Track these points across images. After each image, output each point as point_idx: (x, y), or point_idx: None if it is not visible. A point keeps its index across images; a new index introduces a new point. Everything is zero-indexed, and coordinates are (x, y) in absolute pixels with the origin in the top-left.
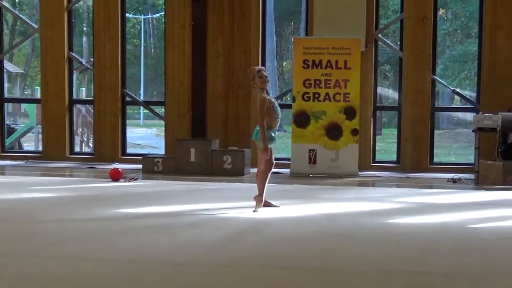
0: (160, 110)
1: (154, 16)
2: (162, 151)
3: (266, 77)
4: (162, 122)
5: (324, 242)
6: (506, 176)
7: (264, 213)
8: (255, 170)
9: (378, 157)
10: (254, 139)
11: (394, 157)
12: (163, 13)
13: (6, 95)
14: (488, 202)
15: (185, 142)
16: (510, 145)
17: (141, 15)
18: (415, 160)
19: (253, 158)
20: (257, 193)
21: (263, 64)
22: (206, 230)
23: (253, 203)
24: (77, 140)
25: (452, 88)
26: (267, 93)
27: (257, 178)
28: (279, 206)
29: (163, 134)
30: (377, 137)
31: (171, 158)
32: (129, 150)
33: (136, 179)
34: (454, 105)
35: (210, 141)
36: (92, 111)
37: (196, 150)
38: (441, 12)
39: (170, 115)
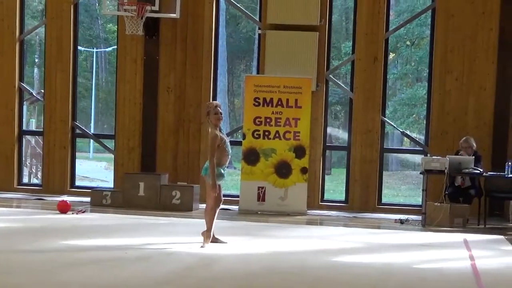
0: (110, 143)
1: (106, 50)
2: (111, 185)
3: (221, 113)
4: (112, 156)
5: (271, 279)
6: (453, 218)
7: (212, 249)
8: (204, 206)
9: (327, 196)
10: (203, 174)
11: (342, 197)
12: (116, 47)
13: None
14: (434, 243)
15: (134, 176)
16: (457, 188)
17: (93, 48)
18: (364, 200)
19: (202, 193)
20: (205, 229)
21: (214, 99)
22: (153, 264)
23: (201, 238)
24: (25, 171)
25: (401, 130)
26: (220, 130)
27: (205, 214)
28: (226, 242)
29: (112, 167)
30: (326, 176)
31: (120, 191)
32: (77, 183)
33: (84, 212)
34: (403, 147)
35: (160, 176)
36: (42, 142)
37: (145, 184)
38: (391, 56)
39: (120, 148)
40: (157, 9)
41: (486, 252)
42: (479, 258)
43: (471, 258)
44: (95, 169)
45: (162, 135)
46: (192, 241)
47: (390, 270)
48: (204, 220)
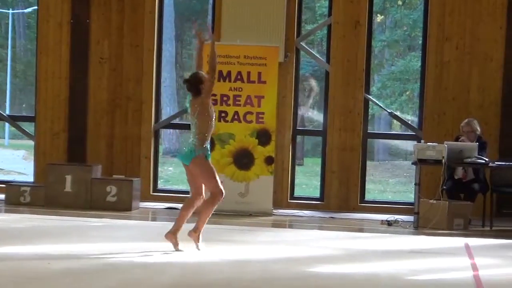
0: (30, 127)
1: (25, 11)
2: (30, 178)
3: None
4: (32, 143)
5: None
6: (452, 218)
7: (159, 257)
8: (145, 204)
9: (298, 192)
10: (192, 158)
11: (317, 193)
12: (36, 7)
13: None
14: (429, 249)
15: (59, 167)
16: (458, 182)
17: (8, 9)
18: (343, 198)
19: (144, 189)
20: (190, 228)
21: (159, 73)
22: (82, 279)
23: (147, 245)
24: None
25: (389, 111)
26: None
27: (182, 209)
28: (183, 251)
29: (32, 157)
30: (297, 168)
31: (42, 187)
32: None
33: None
34: (392, 132)
35: (91, 167)
36: None
37: (73, 178)
38: (379, 19)
39: (42, 134)
40: None
41: (492, 260)
42: (484, 267)
43: (474, 267)
44: (11, 159)
45: (93, 117)
46: (134, 249)
47: (375, 282)
48: (148, 222)
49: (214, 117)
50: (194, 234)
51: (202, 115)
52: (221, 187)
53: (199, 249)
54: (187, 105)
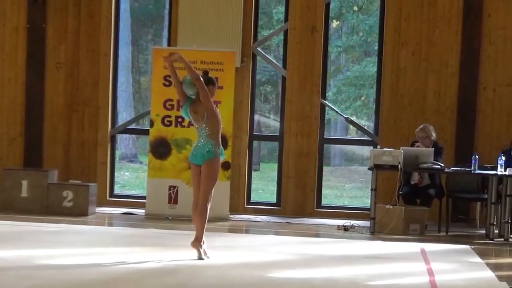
0: None
1: None
2: None
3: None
4: None
5: None
6: (408, 223)
7: (115, 262)
8: (102, 209)
9: (254, 197)
10: (208, 158)
11: (273, 198)
12: None
13: None
14: (385, 255)
15: (15, 172)
16: (414, 187)
17: None
18: (299, 202)
19: (100, 195)
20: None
21: (115, 78)
22: (40, 282)
23: (103, 250)
24: None
25: (346, 116)
26: None
27: (197, 216)
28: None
29: None
30: (254, 173)
31: None
32: None
33: None
34: (348, 137)
35: (47, 172)
36: None
37: (29, 182)
38: (335, 24)
39: None
40: None
41: (448, 265)
42: (440, 272)
43: (430, 272)
44: None
45: (50, 122)
46: (90, 253)
47: (331, 287)
48: (105, 227)
49: (221, 119)
50: (197, 243)
51: (213, 118)
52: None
53: (203, 258)
54: (184, 113)
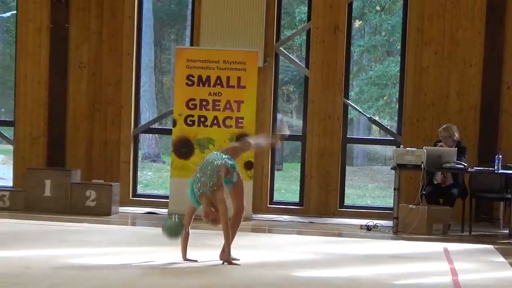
0: (9, 132)
1: (4, 15)
2: (9, 183)
3: None
4: (11, 147)
5: None
6: (431, 223)
7: (139, 262)
8: (125, 208)
9: (277, 197)
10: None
11: (296, 198)
12: (15, 12)
13: None
14: (408, 254)
15: (38, 172)
16: (437, 187)
17: None
18: (322, 202)
19: (123, 194)
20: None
21: (138, 78)
22: (63, 282)
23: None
24: None
25: (368, 116)
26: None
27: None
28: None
29: (11, 161)
30: (276, 172)
31: (21, 191)
32: None
33: None
34: (371, 137)
35: (70, 172)
36: None
37: (52, 182)
38: (357, 24)
39: (21, 138)
40: None
41: (472, 265)
42: (463, 272)
43: (453, 272)
44: None
45: (73, 122)
46: (113, 252)
47: (354, 286)
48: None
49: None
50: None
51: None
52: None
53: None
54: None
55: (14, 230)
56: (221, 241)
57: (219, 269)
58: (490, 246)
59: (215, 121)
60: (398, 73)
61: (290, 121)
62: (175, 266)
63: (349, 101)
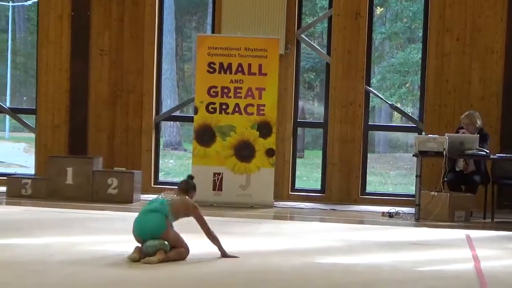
0: (31, 120)
1: (25, 3)
2: (32, 171)
3: None
4: (33, 135)
5: (234, 285)
6: (453, 210)
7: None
8: (146, 196)
9: (299, 184)
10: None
11: (318, 185)
12: (37, 0)
13: None
14: (430, 241)
15: (60, 160)
16: (459, 174)
17: (8, 2)
18: (344, 190)
19: (145, 182)
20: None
21: (159, 66)
22: (84, 268)
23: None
24: None
25: (390, 103)
26: None
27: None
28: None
29: (33, 149)
30: (298, 160)
31: (43, 179)
32: None
33: None
34: (392, 124)
35: (92, 160)
36: None
37: (74, 170)
38: (379, 11)
39: (43, 126)
40: None
41: (493, 251)
42: (485, 259)
43: (475, 259)
44: (12, 151)
45: (94, 109)
46: (132, 240)
47: (376, 273)
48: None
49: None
50: None
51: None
52: None
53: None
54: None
55: (37, 218)
56: (242, 228)
57: (240, 255)
58: None
59: (236, 109)
60: (420, 60)
61: (312, 108)
62: (196, 252)
63: (370, 88)
